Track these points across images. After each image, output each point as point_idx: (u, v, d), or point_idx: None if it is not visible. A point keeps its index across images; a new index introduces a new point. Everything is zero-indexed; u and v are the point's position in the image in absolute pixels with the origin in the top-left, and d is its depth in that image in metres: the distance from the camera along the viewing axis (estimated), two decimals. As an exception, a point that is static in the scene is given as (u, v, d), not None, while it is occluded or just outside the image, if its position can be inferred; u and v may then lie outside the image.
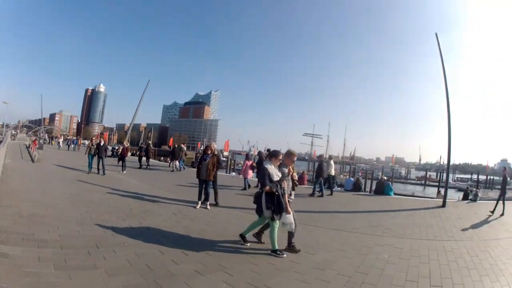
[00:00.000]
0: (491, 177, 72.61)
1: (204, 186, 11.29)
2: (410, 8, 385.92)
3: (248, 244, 7.09)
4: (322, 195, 16.75)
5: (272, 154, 7.21)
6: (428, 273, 6.43)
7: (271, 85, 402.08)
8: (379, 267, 6.56)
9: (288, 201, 6.89)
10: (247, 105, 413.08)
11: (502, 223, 12.94)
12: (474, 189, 26.34)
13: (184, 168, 27.40)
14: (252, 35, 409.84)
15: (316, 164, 20.39)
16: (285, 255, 6.60)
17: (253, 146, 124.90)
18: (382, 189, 20.54)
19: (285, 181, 6.93)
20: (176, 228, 8.21)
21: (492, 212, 14.30)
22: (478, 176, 68.95)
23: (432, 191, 57.77)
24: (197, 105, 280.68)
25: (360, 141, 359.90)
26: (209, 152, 11.45)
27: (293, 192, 7.42)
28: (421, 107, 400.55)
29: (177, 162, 27.12)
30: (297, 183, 7.75)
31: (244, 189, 17.29)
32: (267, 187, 6.62)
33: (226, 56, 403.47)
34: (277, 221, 6.62)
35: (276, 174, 6.79)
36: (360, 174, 54.55)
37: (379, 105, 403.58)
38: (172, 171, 26.22)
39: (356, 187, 22.14)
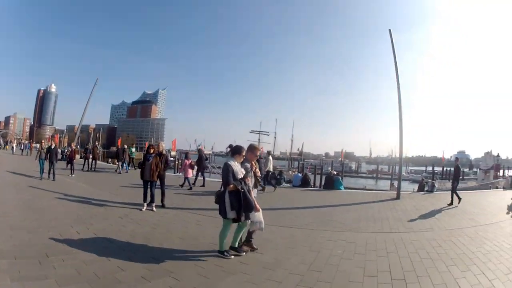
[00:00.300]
0: (448, 168, 76.72)
1: (149, 187, 11.22)
2: (361, 4, 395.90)
3: (232, 256, 6.61)
4: (264, 190, 16.94)
5: (235, 151, 6.93)
6: (387, 267, 6.33)
7: (218, 84, 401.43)
8: (334, 263, 6.42)
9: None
10: (194, 104, 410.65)
11: (465, 212, 13.31)
12: (430, 180, 27.09)
13: (127, 171, 27.20)
14: (200, 33, 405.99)
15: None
16: (232, 257, 6.48)
17: (199, 145, 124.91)
18: (331, 184, 20.83)
19: (248, 178, 6.74)
20: (122, 233, 8.10)
21: (451, 203, 14.77)
22: (433, 168, 72.18)
23: (384, 184, 60.24)
24: (144, 104, 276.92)
25: (309, 137, 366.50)
26: (152, 151, 11.40)
27: (255, 190, 7.25)
28: (372, 101, 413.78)
29: (122, 163, 27.34)
30: (259, 179, 7.69)
31: (182, 186, 17.59)
32: (231, 186, 6.36)
33: (174, 55, 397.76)
34: (244, 222, 6.53)
35: (240, 171, 6.60)
36: (308, 169, 55.36)
37: (328, 101, 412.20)
38: (119, 173, 26.14)
39: (305, 183, 22.22)
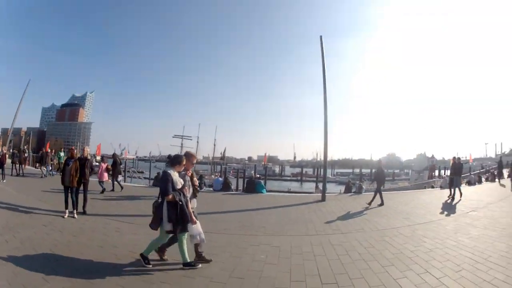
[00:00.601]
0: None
1: (69, 193, 11.17)
2: (286, 14, 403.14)
3: (151, 265, 6.48)
4: None
5: (175, 160, 6.75)
6: (316, 270, 6.26)
7: (143, 87, 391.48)
8: (257, 269, 6.29)
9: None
10: (120, 108, 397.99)
11: (398, 211, 13.69)
12: (357, 182, 27.78)
13: (52, 174, 27.19)
14: (126, 35, 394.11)
15: None
16: (200, 265, 6.44)
17: (123, 149, 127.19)
18: (253, 187, 20.98)
19: (186, 188, 6.64)
20: (46, 242, 7.98)
21: (377, 204, 15.05)
22: (361, 170, 75.34)
23: (310, 186, 61.46)
24: (72, 107, 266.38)
25: (232, 141, 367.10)
26: (71, 156, 11.52)
27: (194, 200, 7.10)
28: (296, 106, 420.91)
29: (46, 168, 27.19)
30: (198, 188, 7.47)
31: (102, 192, 17.49)
32: (170, 196, 6.21)
33: (101, 56, 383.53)
34: (185, 233, 6.41)
35: (179, 182, 6.48)
36: (231, 173, 55.54)
37: (250, 105, 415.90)
38: (43, 177, 25.72)
39: (226, 187, 22.00)
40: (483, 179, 33.60)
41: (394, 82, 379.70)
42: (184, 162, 6.71)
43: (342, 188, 30.13)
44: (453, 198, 17.38)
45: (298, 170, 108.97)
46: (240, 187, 32.57)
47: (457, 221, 11.80)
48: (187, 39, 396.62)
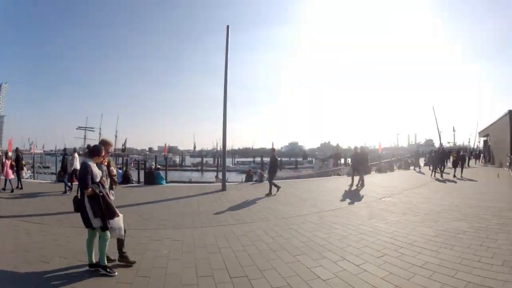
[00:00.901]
0: (279, 158, 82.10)
1: None
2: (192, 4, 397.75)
3: (116, 273, 5.71)
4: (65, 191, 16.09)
5: (94, 151, 6.13)
6: (223, 264, 5.99)
7: (53, 80, 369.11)
8: (161, 266, 5.93)
9: None
10: (30, 100, 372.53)
11: (303, 199, 13.76)
12: (259, 170, 27.97)
13: None
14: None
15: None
16: (116, 273, 5.69)
17: (31, 144, 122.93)
18: (152, 179, 20.51)
19: (104, 179, 6.08)
20: None
21: (276, 191, 15.18)
22: (262, 159, 76.37)
23: (210, 176, 61.59)
24: None
25: (133, 132, 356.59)
26: None
27: (112, 191, 6.58)
28: (197, 95, 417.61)
29: None
30: (115, 178, 7.03)
31: (4, 189, 16.23)
32: (90, 189, 5.63)
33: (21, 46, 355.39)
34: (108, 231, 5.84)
35: (98, 174, 5.93)
36: (132, 165, 54.04)
37: (152, 96, 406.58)
38: None
39: (126, 179, 21.20)
40: (395, 167, 35.52)
41: (299, 73, 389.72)
42: (103, 153, 6.18)
43: (244, 177, 30.26)
44: (356, 186, 17.63)
45: (198, 160, 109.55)
46: (142, 179, 31.88)
47: (370, 207, 12.02)
48: (90, 26, 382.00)
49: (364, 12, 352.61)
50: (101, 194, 5.62)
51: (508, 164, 30.92)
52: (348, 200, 13.48)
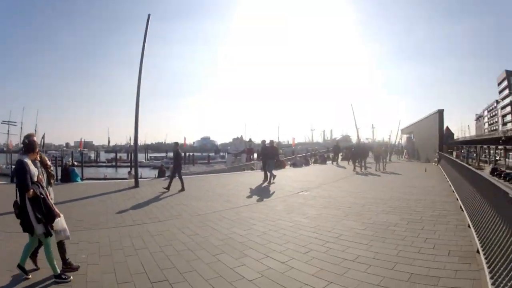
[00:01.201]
0: (191, 154, 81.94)
1: None
2: None
3: (30, 276, 5.21)
4: None
5: (30, 147, 5.39)
6: (141, 267, 5.62)
7: None
8: (82, 272, 5.42)
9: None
10: None
11: (217, 194, 13.62)
12: (170, 166, 27.69)
13: None
14: None
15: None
16: (71, 278, 5.21)
17: None
18: (68, 176, 19.44)
19: (40, 177, 5.40)
20: None
21: (167, 188, 14.55)
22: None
23: (125, 171, 60.38)
24: None
25: (52, 126, 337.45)
26: None
27: (51, 188, 6.02)
28: (113, 88, 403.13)
29: None
30: (52, 172, 6.37)
31: None
32: (31, 191, 5.02)
33: None
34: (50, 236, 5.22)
35: (35, 172, 5.26)
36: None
37: (69, 88, 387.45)
38: None
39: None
40: (311, 162, 36.36)
41: (212, 67, 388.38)
42: (37, 149, 5.53)
43: (156, 172, 29.83)
44: (269, 181, 17.48)
45: (112, 155, 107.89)
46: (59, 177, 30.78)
47: (287, 201, 12.01)
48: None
49: (281, 10, 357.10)
50: (42, 196, 5.06)
51: (436, 160, 33.01)
52: (264, 195, 13.48)
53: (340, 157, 37.96)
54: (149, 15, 17.88)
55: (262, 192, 14.16)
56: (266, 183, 17.13)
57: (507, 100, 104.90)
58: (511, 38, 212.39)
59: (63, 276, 5.19)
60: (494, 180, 8.39)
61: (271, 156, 18.76)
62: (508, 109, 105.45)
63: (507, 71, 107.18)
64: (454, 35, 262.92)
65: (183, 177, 15.20)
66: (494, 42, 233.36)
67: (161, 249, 6.54)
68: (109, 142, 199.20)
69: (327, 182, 17.82)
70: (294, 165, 31.15)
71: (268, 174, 17.92)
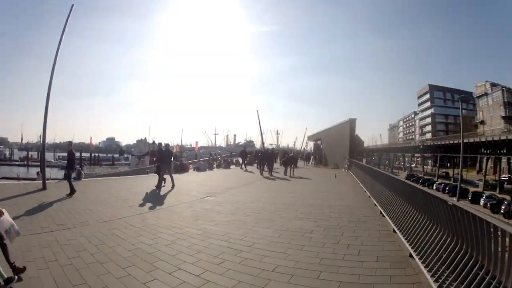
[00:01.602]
0: (96, 154, 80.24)
1: None
2: None
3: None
4: None
5: None
6: (54, 283, 5.15)
7: None
8: None
9: None
10: None
11: (121, 199, 13.06)
12: (77, 166, 26.66)
13: None
14: None
15: None
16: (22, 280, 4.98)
17: None
18: None
19: None
20: None
21: (70, 193, 13.55)
22: (81, 154, 73.98)
23: (35, 171, 57.54)
24: None
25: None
26: None
27: None
28: (32, 82, 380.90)
29: None
30: None
31: None
32: None
33: None
34: None
35: None
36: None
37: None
38: None
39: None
40: (214, 166, 36.20)
41: (125, 68, 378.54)
42: None
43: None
44: (158, 186, 16.79)
45: (25, 153, 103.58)
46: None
47: (193, 207, 11.81)
48: None
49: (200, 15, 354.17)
50: None
51: (346, 166, 34.24)
52: (168, 200, 13.32)
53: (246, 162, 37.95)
54: (72, 5, 16.71)
55: (166, 197, 13.97)
56: (169, 187, 16.85)
57: (427, 112, 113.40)
58: (425, 56, 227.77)
59: (11, 279, 4.84)
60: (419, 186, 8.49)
61: (164, 159, 18.14)
62: (428, 120, 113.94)
63: (430, 85, 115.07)
64: (377, 51, 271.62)
65: (86, 179, 14.53)
66: (407, 61, 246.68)
67: (70, 261, 6.06)
68: (22, 139, 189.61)
69: (234, 187, 17.90)
70: (198, 169, 31.00)
71: (167, 177, 17.73)
